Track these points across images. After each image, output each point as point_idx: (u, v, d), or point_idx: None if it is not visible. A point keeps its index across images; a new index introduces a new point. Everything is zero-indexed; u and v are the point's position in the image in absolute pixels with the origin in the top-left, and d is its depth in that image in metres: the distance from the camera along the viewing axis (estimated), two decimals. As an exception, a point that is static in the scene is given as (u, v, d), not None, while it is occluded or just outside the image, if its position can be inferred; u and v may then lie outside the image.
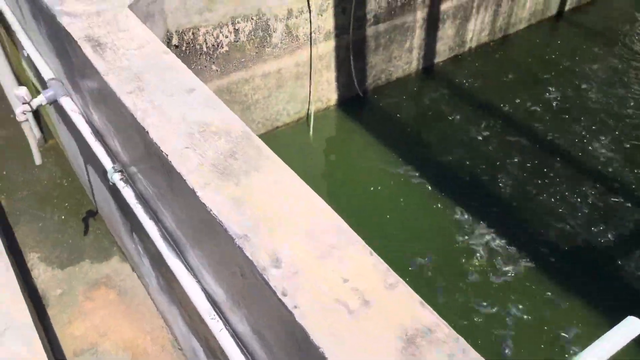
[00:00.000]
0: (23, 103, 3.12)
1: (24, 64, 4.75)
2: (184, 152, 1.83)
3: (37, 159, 3.42)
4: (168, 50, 2.32)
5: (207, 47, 3.30)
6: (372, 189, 3.99)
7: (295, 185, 1.74)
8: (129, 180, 2.65)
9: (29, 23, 3.39)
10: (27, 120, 3.16)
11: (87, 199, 4.95)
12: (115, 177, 2.66)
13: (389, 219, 3.80)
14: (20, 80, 5.09)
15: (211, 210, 1.64)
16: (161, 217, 2.47)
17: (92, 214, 4.83)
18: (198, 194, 1.69)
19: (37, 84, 4.59)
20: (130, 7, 2.62)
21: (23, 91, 3.10)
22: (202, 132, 1.91)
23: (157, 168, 2.02)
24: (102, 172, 3.49)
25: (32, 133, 3.24)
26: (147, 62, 2.23)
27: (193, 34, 3.21)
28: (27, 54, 3.54)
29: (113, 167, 2.70)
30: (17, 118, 3.12)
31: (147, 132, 1.90)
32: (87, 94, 2.78)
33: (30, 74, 4.72)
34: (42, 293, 4.17)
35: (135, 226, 3.41)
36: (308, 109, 4.18)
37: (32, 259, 4.43)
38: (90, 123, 2.97)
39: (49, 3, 2.57)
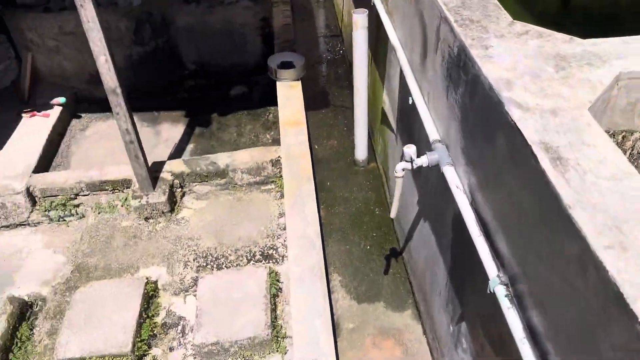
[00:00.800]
0: (407, 161, 3.01)
1: (384, 96, 4.85)
2: None
3: (393, 213, 3.34)
4: (651, 190, 1.80)
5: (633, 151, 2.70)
6: None
7: None
8: (515, 300, 2.27)
9: (429, 75, 3.27)
10: (403, 177, 3.05)
11: (394, 236, 4.88)
12: (499, 291, 2.30)
13: None
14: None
15: None
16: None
17: (395, 253, 4.73)
18: None
19: (390, 117, 4.63)
20: (590, 108, 2.18)
21: (412, 150, 2.98)
22: None
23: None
24: (450, 250, 3.22)
25: (400, 189, 3.15)
26: (627, 205, 1.74)
27: (623, 137, 2.65)
28: (412, 101, 3.46)
29: (498, 276, 2.34)
30: (395, 174, 3.04)
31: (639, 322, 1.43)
32: (491, 183, 2.46)
33: (386, 104, 4.80)
34: (337, 321, 4.23)
35: (469, 322, 3.06)
36: None
37: (334, 281, 4.54)
38: (472, 206, 2.68)
39: (495, 84, 2.29)
